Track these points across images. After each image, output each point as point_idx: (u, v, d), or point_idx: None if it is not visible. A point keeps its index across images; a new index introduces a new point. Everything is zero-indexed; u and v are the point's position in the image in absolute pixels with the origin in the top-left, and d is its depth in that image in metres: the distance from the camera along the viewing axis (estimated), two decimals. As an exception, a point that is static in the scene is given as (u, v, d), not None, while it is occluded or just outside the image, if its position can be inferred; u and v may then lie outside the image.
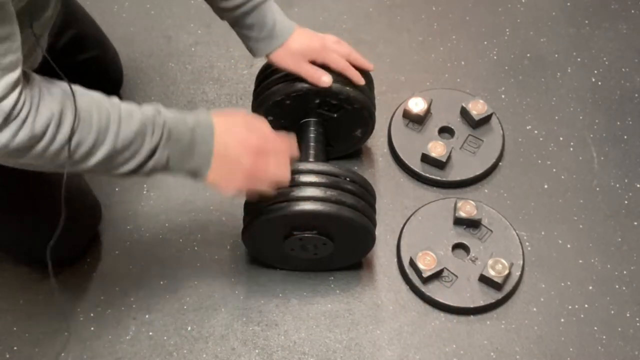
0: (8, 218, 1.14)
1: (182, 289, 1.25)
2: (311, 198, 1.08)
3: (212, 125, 0.96)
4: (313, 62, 1.15)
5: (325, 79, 1.15)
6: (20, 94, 0.81)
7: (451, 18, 1.59)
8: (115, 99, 0.93)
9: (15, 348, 1.20)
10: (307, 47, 1.14)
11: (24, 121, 0.81)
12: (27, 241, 1.19)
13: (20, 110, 0.81)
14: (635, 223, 1.32)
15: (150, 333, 1.21)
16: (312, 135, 1.24)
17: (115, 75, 1.42)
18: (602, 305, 1.23)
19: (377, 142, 1.40)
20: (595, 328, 1.21)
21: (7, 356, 1.19)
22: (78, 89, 0.90)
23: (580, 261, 1.28)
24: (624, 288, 1.25)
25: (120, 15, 1.58)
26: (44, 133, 0.83)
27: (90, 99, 0.90)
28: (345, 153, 1.36)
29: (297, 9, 1.58)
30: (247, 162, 0.98)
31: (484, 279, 1.21)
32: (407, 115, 1.40)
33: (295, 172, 1.09)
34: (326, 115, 1.23)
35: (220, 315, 1.23)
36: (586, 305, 1.23)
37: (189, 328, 1.21)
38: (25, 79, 0.83)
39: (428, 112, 1.39)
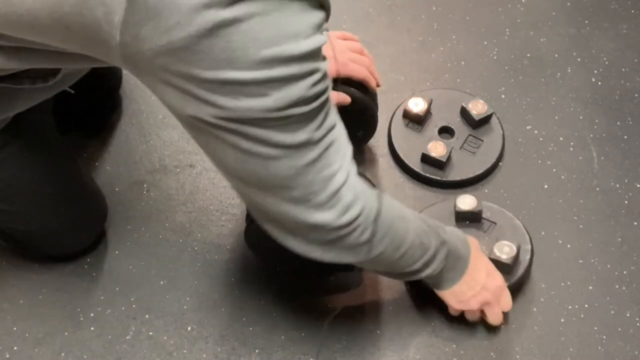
0: (19, 214, 1.15)
1: (182, 289, 1.25)
2: None
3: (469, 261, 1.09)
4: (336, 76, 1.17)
5: (345, 99, 1.18)
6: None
7: (451, 18, 1.59)
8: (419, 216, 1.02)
9: (15, 348, 1.20)
10: None
11: (349, 205, 0.83)
12: (37, 237, 1.20)
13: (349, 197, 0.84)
14: (635, 223, 1.32)
15: (150, 333, 1.21)
16: None
17: (113, 76, 1.42)
18: (602, 305, 1.23)
19: (377, 142, 1.40)
20: (595, 328, 1.21)
21: (7, 356, 1.19)
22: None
23: (580, 261, 1.28)
24: (624, 288, 1.25)
25: (120, 15, 1.58)
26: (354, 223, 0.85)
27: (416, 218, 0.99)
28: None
29: (297, 9, 1.57)
30: (477, 301, 1.11)
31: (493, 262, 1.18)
32: (407, 115, 1.39)
33: None
34: None
35: (220, 315, 1.22)
36: (586, 305, 1.23)
37: (189, 328, 1.21)
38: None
39: (428, 112, 1.39)
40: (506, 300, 1.14)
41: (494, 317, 1.14)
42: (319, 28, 0.73)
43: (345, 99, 1.17)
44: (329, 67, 1.13)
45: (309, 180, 0.79)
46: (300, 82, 0.71)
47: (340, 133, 0.82)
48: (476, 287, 1.09)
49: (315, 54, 0.72)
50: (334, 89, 1.16)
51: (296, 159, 0.77)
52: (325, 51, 1.15)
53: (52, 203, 1.16)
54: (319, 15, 0.73)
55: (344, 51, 1.18)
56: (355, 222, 0.85)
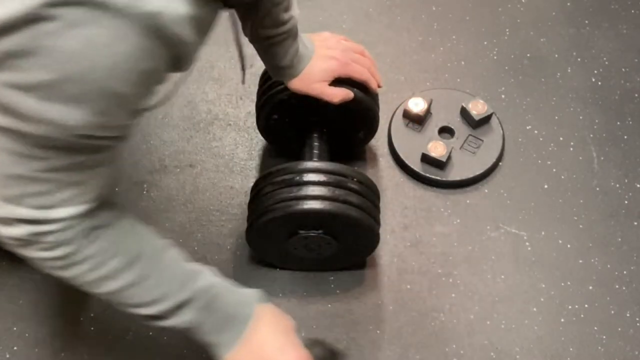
0: None
1: (182, 289, 1.25)
2: (319, 197, 1.08)
3: (251, 315, 0.94)
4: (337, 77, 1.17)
5: (348, 94, 1.17)
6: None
7: (451, 18, 1.59)
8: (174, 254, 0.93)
9: (15, 348, 1.20)
10: (325, 71, 1.15)
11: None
12: None
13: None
14: (635, 223, 1.32)
15: (151, 333, 1.21)
16: (316, 135, 1.25)
17: None
18: (602, 305, 1.23)
19: (377, 142, 1.40)
20: (595, 328, 1.21)
21: (7, 356, 1.19)
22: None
23: (580, 261, 1.28)
24: (624, 288, 1.25)
25: (120, 15, 1.58)
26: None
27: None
28: (347, 154, 1.36)
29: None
30: None
31: None
32: (407, 115, 1.40)
33: (302, 170, 1.09)
34: (331, 115, 1.23)
35: (220, 315, 1.22)
36: (586, 305, 1.23)
37: (189, 328, 1.21)
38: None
39: (428, 112, 1.39)
40: None
41: None
42: (148, 78, 0.66)
43: (349, 94, 1.17)
44: (330, 66, 1.15)
45: (29, 191, 0.75)
46: (86, 113, 0.66)
47: (93, 184, 0.79)
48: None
49: (117, 102, 0.67)
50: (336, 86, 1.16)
51: (27, 167, 0.73)
52: (328, 50, 1.16)
53: None
54: (153, 63, 0.66)
55: (346, 51, 1.18)
56: (40, 245, 0.82)
